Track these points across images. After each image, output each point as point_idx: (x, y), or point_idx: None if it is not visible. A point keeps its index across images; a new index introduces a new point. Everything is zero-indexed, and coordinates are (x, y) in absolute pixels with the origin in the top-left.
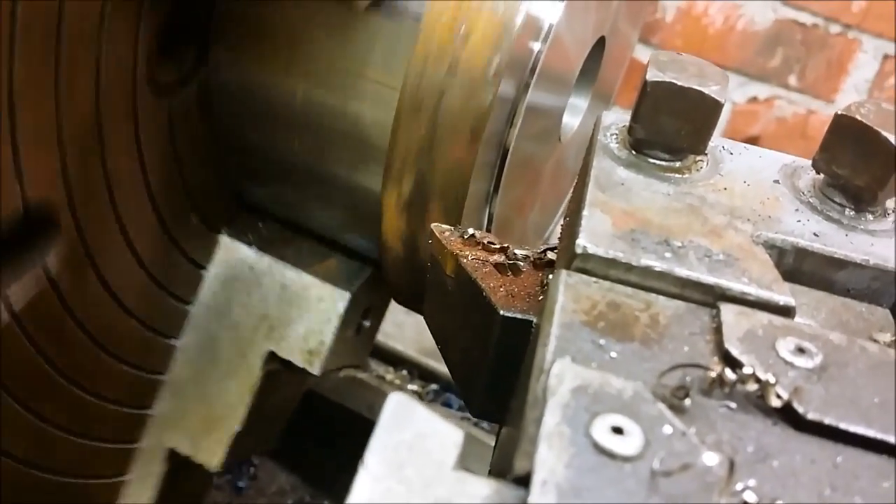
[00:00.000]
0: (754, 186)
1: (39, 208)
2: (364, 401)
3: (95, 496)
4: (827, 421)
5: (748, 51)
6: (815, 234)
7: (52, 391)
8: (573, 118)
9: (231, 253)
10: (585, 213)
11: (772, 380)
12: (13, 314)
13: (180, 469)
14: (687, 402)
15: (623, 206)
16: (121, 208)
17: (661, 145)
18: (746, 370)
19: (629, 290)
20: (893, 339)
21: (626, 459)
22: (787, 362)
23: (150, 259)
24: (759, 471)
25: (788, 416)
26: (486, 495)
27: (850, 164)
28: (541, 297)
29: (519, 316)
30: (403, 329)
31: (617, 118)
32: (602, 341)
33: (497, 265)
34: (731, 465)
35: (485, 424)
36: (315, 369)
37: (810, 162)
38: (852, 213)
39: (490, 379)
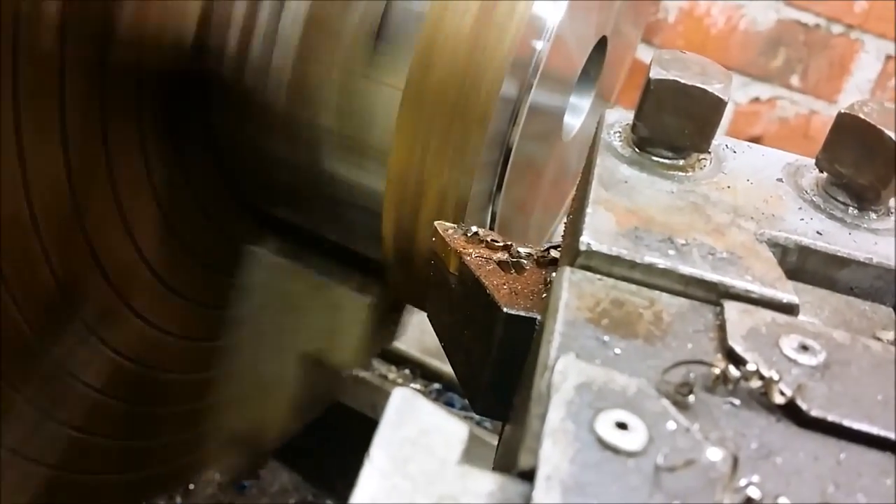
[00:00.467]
0: (757, 185)
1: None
2: (367, 400)
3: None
4: (830, 418)
5: (750, 51)
6: (818, 233)
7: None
8: (575, 118)
9: (256, 262)
10: (589, 210)
11: (775, 377)
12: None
13: None
14: (691, 398)
15: (626, 204)
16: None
17: (665, 143)
18: (750, 367)
19: (633, 287)
20: None
21: (629, 455)
22: (790, 360)
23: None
24: (762, 467)
25: (792, 413)
26: (490, 491)
27: (853, 162)
28: (544, 295)
29: (522, 314)
30: (406, 328)
31: (620, 116)
32: (606, 338)
33: (500, 263)
34: (735, 462)
35: (487, 424)
36: (335, 363)
37: (813, 161)
38: (855, 211)
39: (493, 377)
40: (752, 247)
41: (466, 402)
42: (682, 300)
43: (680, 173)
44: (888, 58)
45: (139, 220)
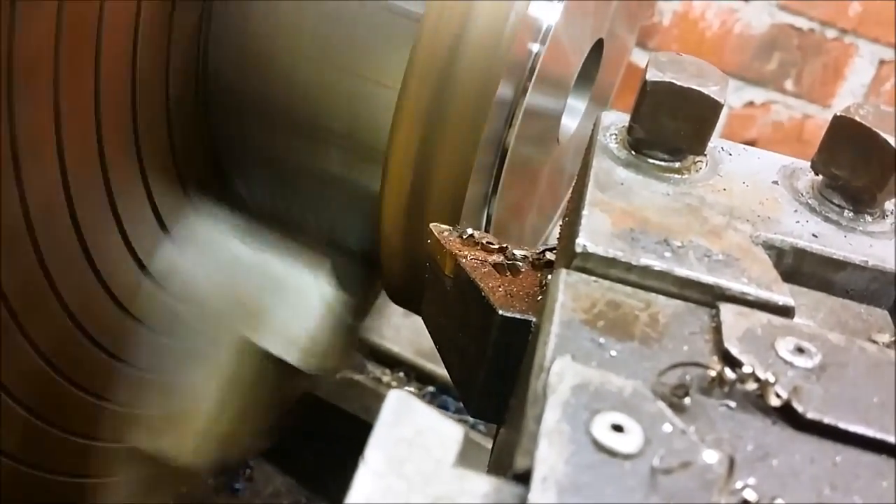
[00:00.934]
0: (753, 187)
1: None
2: (360, 403)
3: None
4: (826, 420)
5: (745, 55)
6: (813, 235)
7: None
8: (571, 121)
9: (211, 233)
10: (585, 212)
11: (771, 379)
12: None
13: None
14: (687, 400)
15: (622, 206)
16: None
17: (661, 145)
18: (746, 369)
19: (629, 289)
20: (892, 339)
21: (626, 457)
22: (786, 362)
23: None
24: (758, 469)
25: (788, 415)
26: (486, 492)
27: (848, 165)
28: (539, 298)
29: (518, 316)
30: (400, 331)
31: (616, 118)
32: (602, 340)
33: (496, 265)
34: (731, 464)
35: (481, 427)
36: (293, 359)
37: (809, 163)
38: (851, 214)
39: (488, 379)
40: (748, 249)
41: (461, 405)
42: (678, 302)
43: (676, 175)
44: (882, 62)
45: (134, 220)
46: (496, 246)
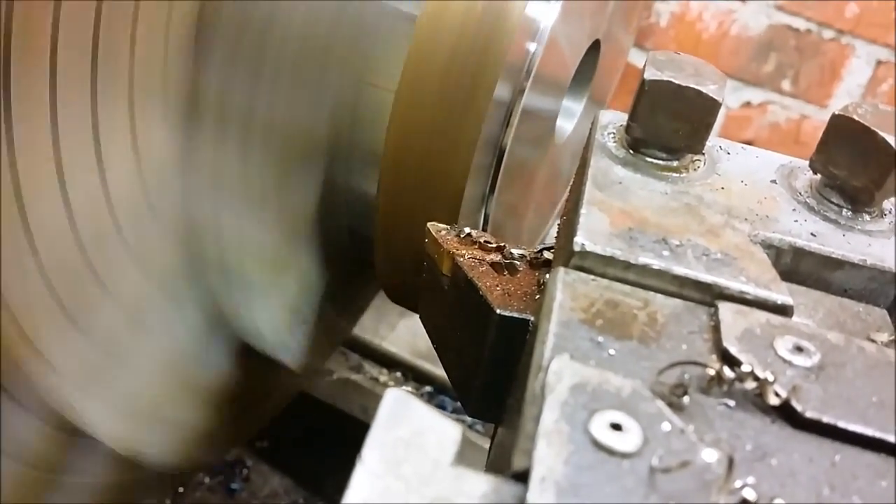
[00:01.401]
0: (751, 186)
1: None
2: (357, 403)
3: None
4: (825, 419)
5: (742, 56)
6: (812, 234)
7: None
8: (567, 122)
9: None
10: (583, 211)
11: (770, 378)
12: None
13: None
14: (685, 399)
15: (620, 205)
16: None
17: (659, 144)
18: (745, 368)
19: (627, 288)
20: (891, 338)
21: (624, 456)
22: (785, 361)
23: None
24: (757, 469)
25: (786, 414)
26: (484, 492)
27: (847, 164)
28: (537, 297)
29: (515, 315)
30: (397, 331)
31: (614, 117)
32: (600, 339)
33: (493, 264)
34: (730, 463)
35: (479, 427)
36: (266, 350)
37: (807, 162)
38: (849, 213)
39: (486, 378)
40: (747, 248)
41: (458, 405)
42: (677, 301)
43: (674, 174)
44: (879, 63)
45: (128, 216)
46: (494, 245)
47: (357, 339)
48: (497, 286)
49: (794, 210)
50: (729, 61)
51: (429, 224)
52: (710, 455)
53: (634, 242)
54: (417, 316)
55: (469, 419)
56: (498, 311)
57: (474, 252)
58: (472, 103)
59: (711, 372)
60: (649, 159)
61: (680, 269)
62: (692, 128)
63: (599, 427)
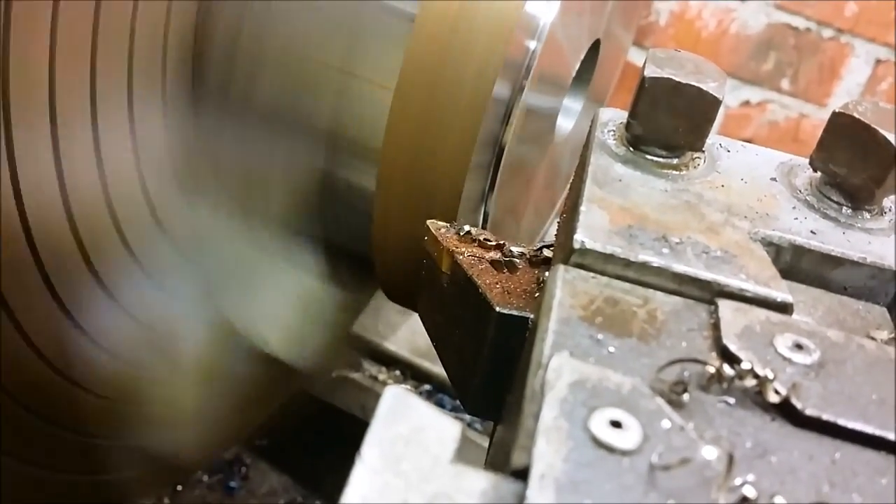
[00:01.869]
0: (751, 184)
1: None
2: (356, 401)
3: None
4: (825, 417)
5: (741, 55)
6: (812, 232)
7: None
8: (567, 120)
9: (206, 229)
10: (583, 208)
11: (770, 375)
12: None
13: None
14: (685, 397)
15: (620, 203)
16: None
17: (659, 142)
18: (745, 366)
19: (627, 285)
20: (890, 336)
21: (624, 453)
22: (784, 358)
23: None
24: (757, 466)
25: (786, 411)
26: (483, 490)
27: (847, 162)
28: (537, 295)
29: (515, 313)
30: (396, 329)
31: (614, 115)
32: (600, 336)
33: (493, 262)
34: (730, 461)
35: (478, 425)
36: (271, 349)
37: (807, 160)
38: (849, 211)
39: (485, 376)
40: (747, 245)
41: (457, 403)
42: (677, 298)
43: (674, 172)
44: (878, 62)
45: (127, 214)
46: (493, 243)
47: (356, 337)
48: (496, 284)
49: (793, 208)
50: (728, 60)
51: (428, 222)
52: (709, 452)
53: (634, 240)
54: (416, 314)
55: (468, 417)
56: (497, 308)
57: (474, 250)
58: (471, 101)
59: (711, 369)
60: (649, 157)
61: (680, 267)
62: (692, 125)
63: (599, 424)
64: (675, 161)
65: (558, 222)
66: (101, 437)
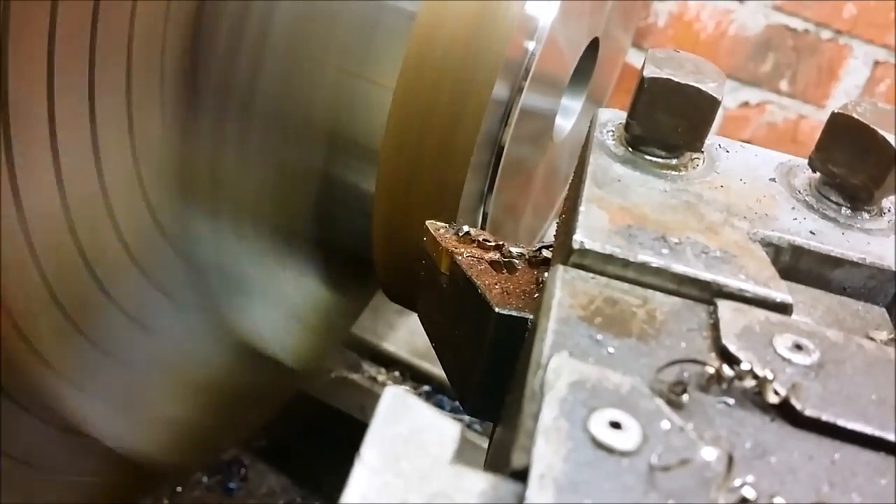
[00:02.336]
0: (750, 184)
1: None
2: (355, 402)
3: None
4: (825, 417)
5: (739, 56)
6: (811, 233)
7: None
8: (566, 121)
9: (202, 230)
10: (582, 208)
11: (769, 376)
12: None
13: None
14: (685, 397)
15: (620, 203)
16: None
17: (658, 142)
18: (744, 366)
19: (626, 285)
20: (890, 336)
21: (623, 454)
22: (784, 359)
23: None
24: (757, 467)
25: (786, 412)
26: (483, 490)
27: (846, 162)
28: (536, 295)
29: (514, 313)
30: (395, 330)
31: (613, 115)
32: (599, 336)
33: (492, 263)
34: (730, 461)
35: (477, 426)
36: (272, 351)
37: (806, 161)
38: (848, 211)
39: (484, 377)
40: (746, 246)
41: (456, 404)
42: (676, 299)
43: (673, 172)
44: (876, 63)
45: (127, 217)
46: (492, 243)
47: (355, 338)
48: (496, 284)
49: (793, 208)
50: (727, 61)
51: (427, 222)
52: (709, 453)
53: (633, 240)
54: (416, 315)
55: (467, 418)
56: (497, 309)
57: (473, 250)
58: (470, 101)
59: (711, 370)
60: (648, 157)
61: (679, 267)
62: (691, 125)
63: (598, 425)
64: (674, 161)
65: (557, 222)
66: (101, 438)
